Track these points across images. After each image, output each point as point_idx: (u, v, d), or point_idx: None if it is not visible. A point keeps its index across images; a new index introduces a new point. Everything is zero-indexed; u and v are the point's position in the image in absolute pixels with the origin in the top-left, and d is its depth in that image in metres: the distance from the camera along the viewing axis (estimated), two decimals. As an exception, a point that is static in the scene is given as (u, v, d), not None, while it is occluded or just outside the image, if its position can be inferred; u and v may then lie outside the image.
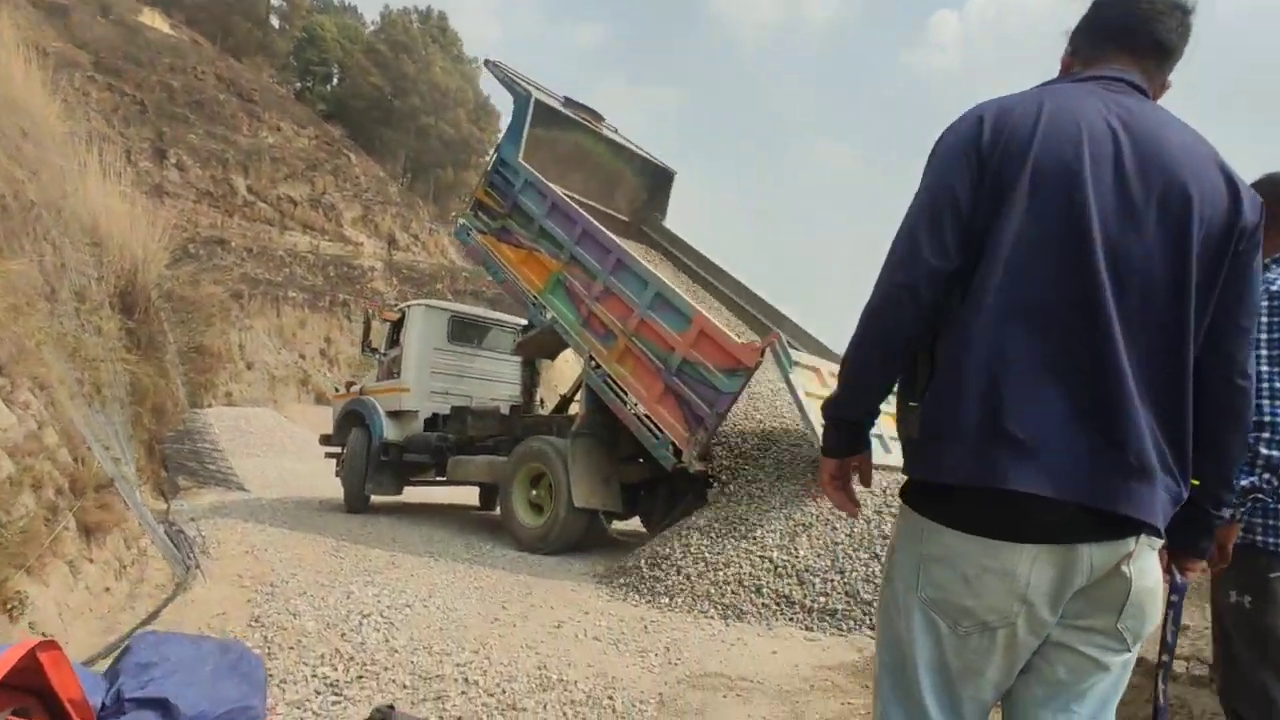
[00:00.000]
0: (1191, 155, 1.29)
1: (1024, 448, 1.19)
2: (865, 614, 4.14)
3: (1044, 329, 1.23)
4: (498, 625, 4.15)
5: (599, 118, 9.31)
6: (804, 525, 4.92)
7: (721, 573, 4.69)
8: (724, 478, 5.69)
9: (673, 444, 5.90)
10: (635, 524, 7.89)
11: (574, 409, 8.17)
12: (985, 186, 1.26)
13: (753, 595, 4.48)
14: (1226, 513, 1.44)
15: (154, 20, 32.47)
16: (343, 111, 38.94)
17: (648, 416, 6.21)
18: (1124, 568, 1.21)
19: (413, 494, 9.88)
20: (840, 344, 8.02)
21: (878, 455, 5.54)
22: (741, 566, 4.69)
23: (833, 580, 4.43)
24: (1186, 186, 1.25)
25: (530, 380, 9.46)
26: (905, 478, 1.39)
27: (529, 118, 7.91)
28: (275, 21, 46.26)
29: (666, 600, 4.63)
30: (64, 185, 8.97)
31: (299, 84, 41.59)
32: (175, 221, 14.68)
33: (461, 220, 8.68)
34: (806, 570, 4.55)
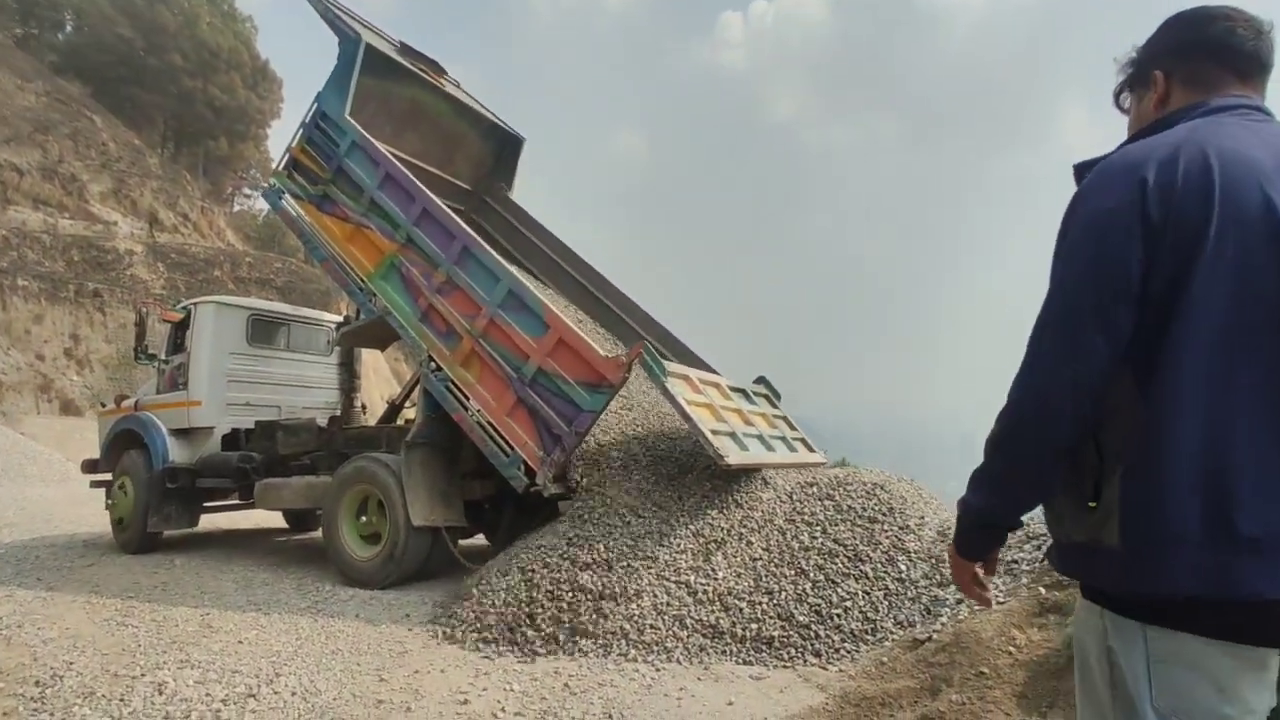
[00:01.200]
0: None
1: (1261, 549, 1.10)
2: (804, 639, 3.81)
3: (1267, 412, 1.10)
4: (386, 711, 3.28)
5: (440, 70, 8.27)
6: (716, 542, 4.50)
7: (634, 605, 4.13)
8: (586, 494, 5.12)
9: (525, 463, 5.25)
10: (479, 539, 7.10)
11: (406, 417, 7.29)
12: (1162, 258, 1.14)
13: (676, 629, 3.98)
14: None
15: None
16: (82, 66, 32.77)
17: (496, 430, 5.48)
18: None
19: (205, 520, 8.26)
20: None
21: (782, 456, 5.26)
22: (656, 596, 4.17)
23: (760, 603, 4.05)
24: None
25: (349, 384, 8.37)
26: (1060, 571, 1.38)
27: (358, 64, 6.74)
28: (-18, -49, 37.96)
29: (574, 645, 3.98)
30: None
31: (20, 30, 34.44)
32: None
33: (274, 181, 7.27)
34: (729, 594, 4.14)
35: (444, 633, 4.42)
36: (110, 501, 7.97)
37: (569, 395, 5.10)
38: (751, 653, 3.81)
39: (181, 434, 7.66)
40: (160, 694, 3.48)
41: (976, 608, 3.51)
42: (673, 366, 5.42)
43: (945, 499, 5.34)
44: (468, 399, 5.69)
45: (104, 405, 9.49)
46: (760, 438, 5.53)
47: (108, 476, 8.13)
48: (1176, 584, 1.12)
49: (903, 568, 4.09)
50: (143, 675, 3.73)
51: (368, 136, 6.54)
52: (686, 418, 4.89)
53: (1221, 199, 1.12)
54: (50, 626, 4.68)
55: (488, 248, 5.89)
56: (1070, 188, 1.33)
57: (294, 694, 3.48)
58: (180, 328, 8.00)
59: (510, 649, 4.09)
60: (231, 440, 7.70)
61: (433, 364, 5.94)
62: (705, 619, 4.02)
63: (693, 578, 4.26)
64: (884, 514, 4.51)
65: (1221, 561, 1.10)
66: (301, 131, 7.03)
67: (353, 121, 6.59)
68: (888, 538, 4.31)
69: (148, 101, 34.48)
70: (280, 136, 48.70)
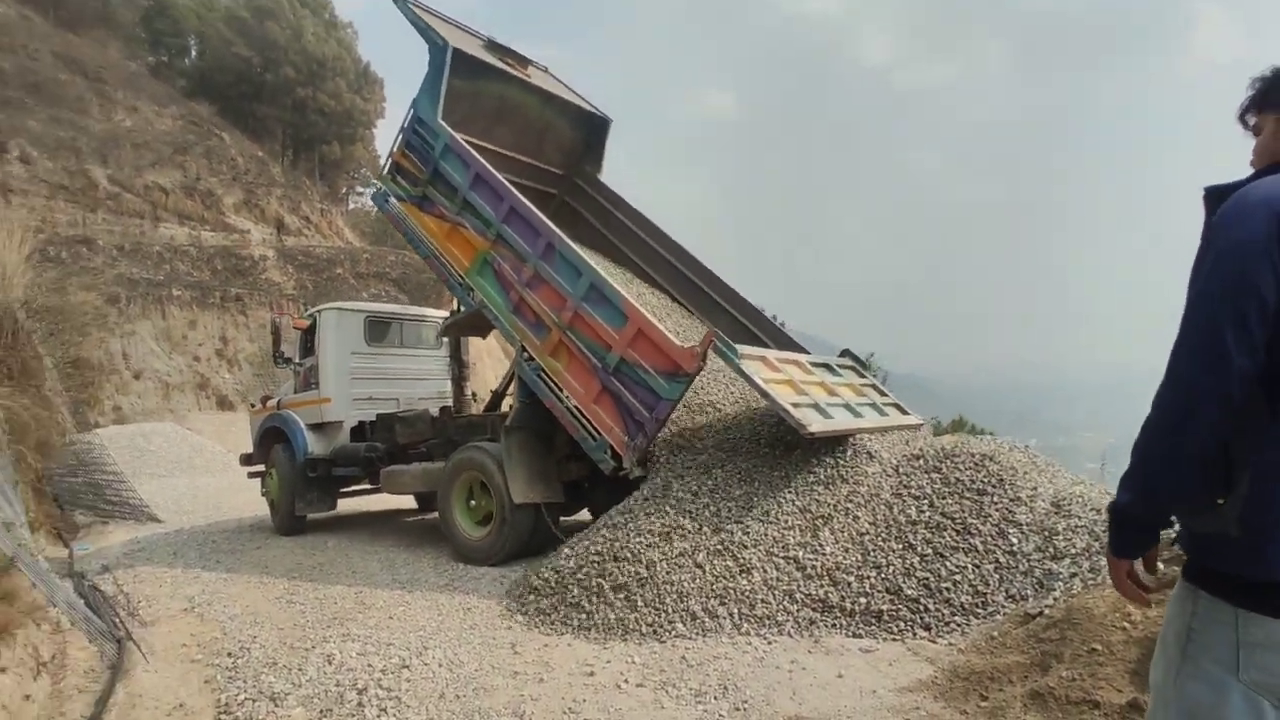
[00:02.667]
0: None
1: None
2: (914, 613, 3.87)
3: None
4: (522, 681, 3.64)
5: (526, 62, 8.56)
6: (823, 518, 4.60)
7: (745, 581, 4.32)
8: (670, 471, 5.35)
9: (610, 447, 5.56)
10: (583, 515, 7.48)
11: (507, 404, 7.67)
12: None
13: (786, 603, 4.14)
14: None
15: (-30, -8, 28.43)
16: (207, 87, 35.52)
17: (584, 416, 5.80)
18: None
19: (345, 504, 9.15)
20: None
21: (872, 421, 5.29)
22: (767, 571, 4.33)
23: (869, 577, 4.13)
24: None
25: (459, 374, 8.92)
26: (1185, 557, 1.47)
27: (447, 69, 7.09)
28: (115, -12, 41.50)
29: (689, 620, 4.22)
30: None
31: (152, 59, 37.62)
32: (28, 223, 12.90)
33: (379, 184, 7.85)
34: (837, 568, 4.24)
35: (517, 606, 4.82)
36: (264, 490, 9.07)
37: (649, 384, 5.33)
38: (861, 626, 3.92)
39: (317, 428, 8.50)
40: (330, 664, 3.99)
41: (1092, 583, 3.47)
42: (746, 349, 5.53)
43: (1069, 460, 5.20)
44: (559, 387, 5.99)
45: (253, 405, 10.57)
46: (847, 406, 5.61)
47: (261, 467, 9.20)
48: (1273, 572, 1.31)
49: (1014, 541, 4.05)
50: (314, 648, 4.27)
51: (458, 139, 6.87)
52: (764, 394, 5.02)
53: None
54: (233, 604, 5.39)
55: (570, 243, 6.12)
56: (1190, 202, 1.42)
57: (441, 665, 3.90)
58: (309, 333, 8.82)
59: (569, 621, 4.42)
60: (359, 432, 8.48)
61: (526, 353, 6.28)
62: (814, 593, 4.15)
63: (801, 553, 4.39)
64: (993, 486, 4.45)
65: None
66: (400, 136, 7.48)
67: (445, 125, 6.94)
68: (997, 510, 4.26)
69: (267, 114, 37.00)
70: (385, 135, 51.08)
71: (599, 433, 5.64)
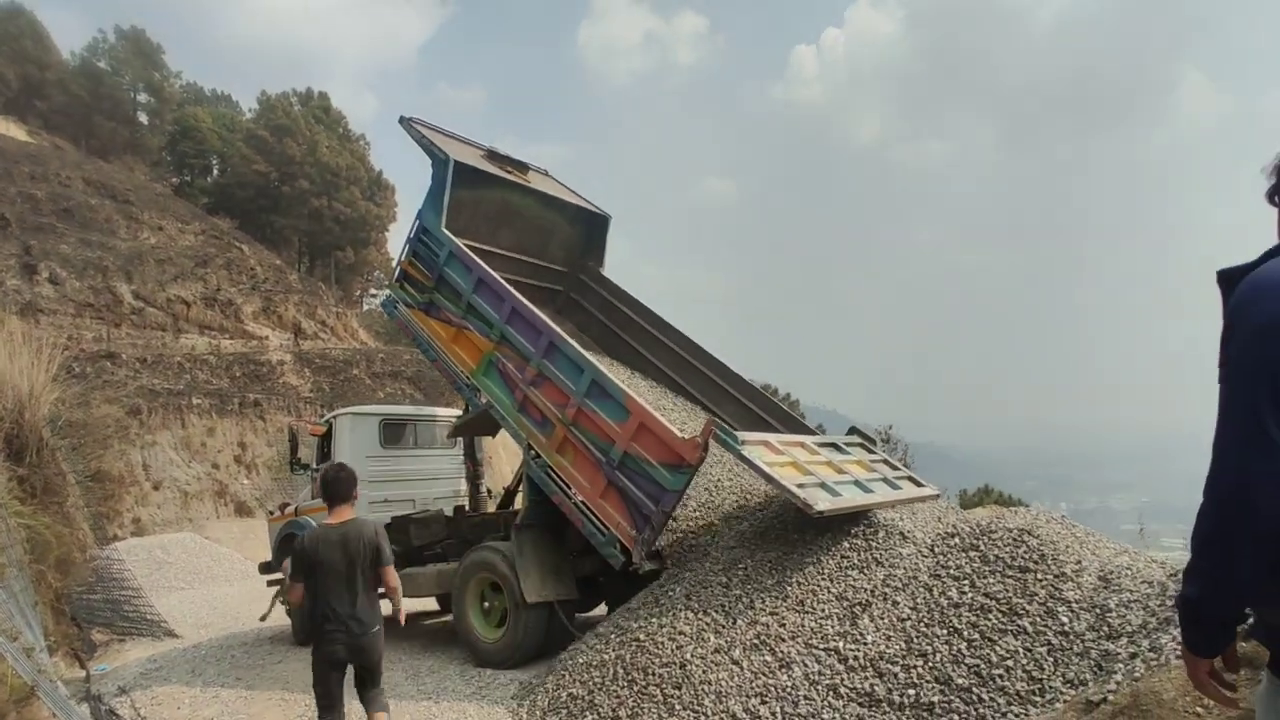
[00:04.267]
0: None
1: None
2: (967, 703, 3.67)
3: None
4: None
5: (525, 168, 8.94)
6: (860, 604, 4.44)
7: (785, 676, 4.13)
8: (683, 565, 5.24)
9: (619, 541, 5.54)
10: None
11: (520, 501, 7.66)
12: None
13: (831, 699, 3.94)
14: None
15: (8, 129, 30.25)
16: (228, 202, 37.13)
17: (592, 511, 5.80)
18: None
19: None
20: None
21: (883, 495, 5.25)
22: (807, 665, 4.15)
23: (915, 667, 3.94)
24: None
25: (474, 473, 8.96)
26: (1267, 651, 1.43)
27: (449, 182, 7.42)
28: (143, 118, 44.06)
29: None
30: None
31: (177, 179, 39.50)
32: (56, 340, 13.24)
33: (388, 292, 8.12)
34: (881, 658, 4.06)
35: (525, 708, 4.61)
36: (283, 598, 8.84)
37: (653, 476, 5.35)
38: (912, 721, 3.71)
39: None
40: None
41: (1155, 663, 3.29)
42: (748, 435, 5.57)
43: (1104, 524, 5.05)
44: (567, 484, 6.01)
45: (271, 512, 10.54)
46: (856, 483, 5.60)
47: (280, 575, 9.04)
48: None
49: (1064, 620, 3.87)
50: (339, 771, 4.07)
51: (461, 246, 7.13)
52: (768, 478, 5.03)
53: None
54: (254, 725, 5.20)
55: (570, 340, 6.27)
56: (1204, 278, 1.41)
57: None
58: (325, 439, 8.89)
59: None
60: None
61: (533, 451, 6.36)
62: (859, 686, 3.96)
63: (841, 644, 4.21)
64: (1035, 562, 4.30)
65: None
66: (408, 246, 7.81)
67: (448, 233, 7.22)
68: (1043, 588, 4.10)
69: (284, 224, 38.46)
70: (398, 238, 52.70)
71: (607, 528, 5.64)
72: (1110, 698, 3.19)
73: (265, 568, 9.65)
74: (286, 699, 5.82)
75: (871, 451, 6.65)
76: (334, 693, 4.07)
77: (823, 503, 4.85)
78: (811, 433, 6.89)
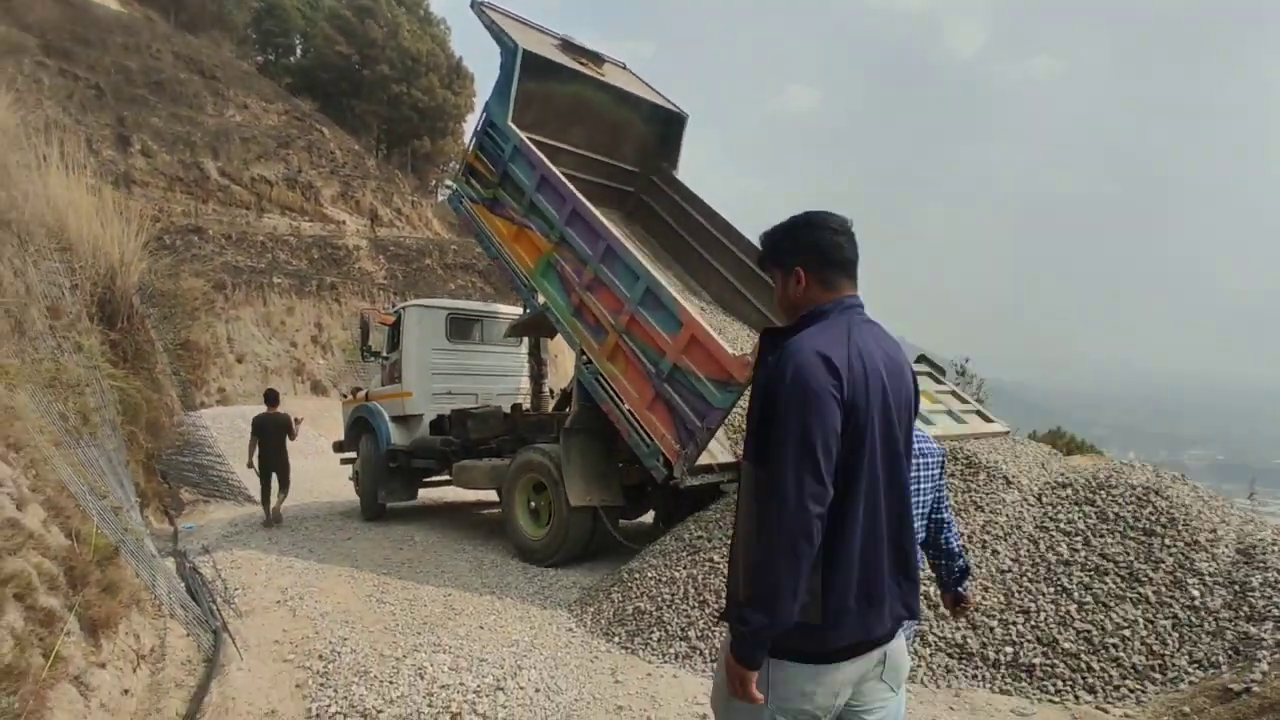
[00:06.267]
0: None
1: None
2: (1073, 670, 3.35)
3: None
4: (626, 718, 3.33)
5: (600, 60, 8.38)
6: (956, 549, 4.11)
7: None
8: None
9: (663, 454, 5.42)
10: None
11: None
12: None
13: (917, 645, 3.69)
14: None
15: (102, -4, 30.36)
16: (310, 84, 36.96)
17: (639, 421, 5.66)
18: None
19: (427, 491, 9.28)
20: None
21: (944, 428, 4.93)
22: (892, 607, 3.89)
23: (1015, 623, 3.64)
24: None
25: (538, 372, 8.93)
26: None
27: (517, 72, 6.98)
28: (230, -9, 43.71)
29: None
30: (23, 184, 7.89)
31: (261, 58, 39.49)
32: (146, 211, 13.54)
33: (453, 185, 7.88)
34: (976, 609, 3.76)
35: (585, 623, 4.50)
36: (353, 476, 9.28)
37: (701, 391, 5.18)
38: (1009, 680, 3.42)
39: (399, 420, 8.66)
40: (421, 679, 3.79)
41: None
42: None
43: (1214, 480, 4.57)
44: (617, 394, 5.88)
45: (344, 395, 10.84)
46: (951, 413, 5.45)
47: (352, 455, 9.43)
48: None
49: (1194, 593, 3.47)
50: (405, 657, 4.09)
51: (527, 141, 6.78)
52: None
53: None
54: (324, 599, 5.31)
55: (629, 246, 6.02)
56: None
57: (537, 690, 3.63)
58: (394, 329, 8.96)
59: (670, 650, 4.06)
60: (438, 425, 8.50)
61: (585, 357, 6.24)
62: (950, 636, 3.68)
63: (932, 588, 3.92)
64: (1163, 525, 3.87)
65: None
66: (474, 139, 7.50)
67: (514, 128, 6.87)
68: (1171, 555, 3.68)
69: (364, 110, 38.22)
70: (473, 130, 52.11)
71: (652, 439, 5.55)
72: (1254, 688, 2.82)
73: (339, 446, 10.02)
74: (355, 576, 5.94)
75: (940, 382, 6.43)
76: None
77: None
78: None
